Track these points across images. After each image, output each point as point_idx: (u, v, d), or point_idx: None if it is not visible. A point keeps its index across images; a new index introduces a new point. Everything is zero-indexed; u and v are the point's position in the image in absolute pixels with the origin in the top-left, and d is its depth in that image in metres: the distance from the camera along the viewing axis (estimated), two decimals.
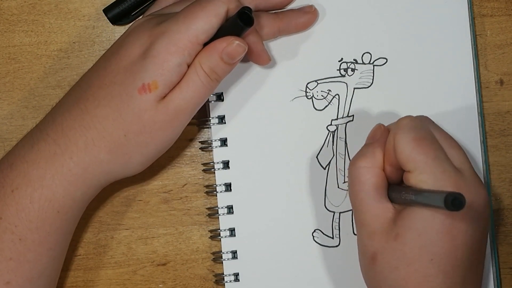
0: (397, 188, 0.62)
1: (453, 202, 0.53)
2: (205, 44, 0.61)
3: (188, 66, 0.61)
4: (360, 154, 0.63)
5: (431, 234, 0.59)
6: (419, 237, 0.59)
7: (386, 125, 0.65)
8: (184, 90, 0.61)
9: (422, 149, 0.60)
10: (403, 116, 0.63)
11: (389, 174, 0.63)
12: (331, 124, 0.69)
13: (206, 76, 0.61)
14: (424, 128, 0.62)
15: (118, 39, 0.64)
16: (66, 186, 0.62)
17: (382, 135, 0.64)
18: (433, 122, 0.64)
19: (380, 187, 0.62)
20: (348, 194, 0.64)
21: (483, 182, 0.68)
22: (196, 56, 0.61)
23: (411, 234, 0.59)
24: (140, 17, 0.69)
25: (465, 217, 0.59)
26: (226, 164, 0.69)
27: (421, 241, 0.59)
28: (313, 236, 0.69)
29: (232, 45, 0.61)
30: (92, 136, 0.61)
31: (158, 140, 0.62)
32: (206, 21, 0.60)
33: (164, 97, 0.61)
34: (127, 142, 0.62)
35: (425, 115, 0.65)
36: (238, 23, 0.60)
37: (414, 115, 0.67)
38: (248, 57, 0.66)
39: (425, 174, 0.60)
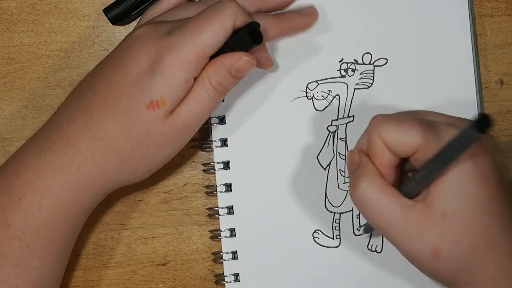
0: (406, 179, 0.61)
1: (481, 122, 0.50)
2: (211, 57, 0.61)
3: (195, 79, 0.61)
4: (357, 176, 0.60)
5: (468, 190, 0.58)
6: (461, 200, 0.58)
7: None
8: (191, 104, 0.61)
9: (409, 126, 0.59)
10: None
11: (389, 178, 0.61)
12: (331, 125, 0.69)
13: (214, 89, 0.61)
14: (394, 114, 0.61)
15: (121, 46, 0.64)
16: (74, 195, 0.62)
17: (361, 154, 0.62)
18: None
19: (392, 194, 0.59)
20: (349, 194, 0.62)
21: None
22: (203, 69, 0.61)
23: (453, 204, 0.58)
24: (140, 18, 0.69)
25: (479, 153, 0.58)
26: (226, 164, 0.69)
27: (465, 202, 0.58)
28: (314, 237, 0.69)
29: (241, 61, 0.60)
30: (99, 148, 0.61)
31: (165, 151, 0.63)
32: (213, 35, 0.60)
33: (172, 111, 0.61)
34: (134, 154, 0.62)
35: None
36: (248, 40, 0.59)
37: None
38: None
39: (431, 144, 0.58)
